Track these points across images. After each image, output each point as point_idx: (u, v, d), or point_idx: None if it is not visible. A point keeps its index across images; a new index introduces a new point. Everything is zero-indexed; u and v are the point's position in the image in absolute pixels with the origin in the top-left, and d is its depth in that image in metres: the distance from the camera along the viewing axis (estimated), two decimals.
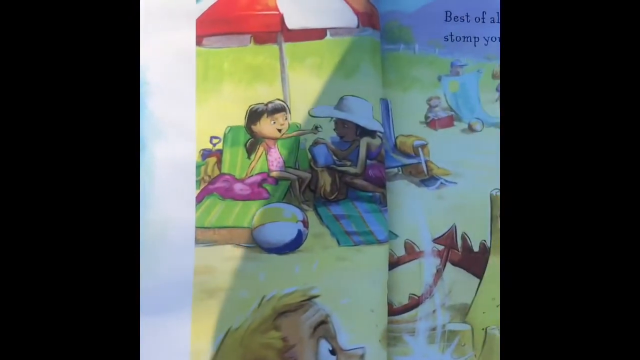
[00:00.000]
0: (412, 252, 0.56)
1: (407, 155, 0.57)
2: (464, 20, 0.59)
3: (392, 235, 0.56)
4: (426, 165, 0.57)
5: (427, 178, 0.57)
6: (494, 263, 0.56)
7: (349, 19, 0.55)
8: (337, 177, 0.54)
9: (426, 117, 0.58)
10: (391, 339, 0.54)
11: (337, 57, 0.54)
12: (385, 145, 0.57)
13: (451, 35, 0.59)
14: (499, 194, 0.56)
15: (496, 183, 0.57)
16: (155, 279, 0.52)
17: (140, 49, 0.53)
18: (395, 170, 0.57)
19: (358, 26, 0.55)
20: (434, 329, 0.55)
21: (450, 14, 0.59)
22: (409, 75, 0.58)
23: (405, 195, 0.57)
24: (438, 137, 0.58)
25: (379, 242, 0.54)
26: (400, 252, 0.56)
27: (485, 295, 0.55)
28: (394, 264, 0.55)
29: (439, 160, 0.57)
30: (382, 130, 0.55)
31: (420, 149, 0.57)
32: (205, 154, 0.54)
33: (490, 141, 0.57)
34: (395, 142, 0.58)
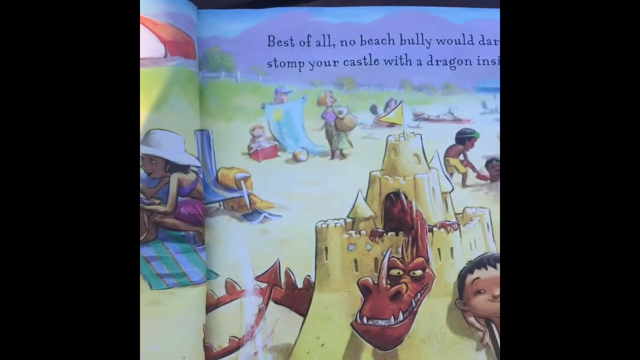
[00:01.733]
0: (233, 292, 0.53)
1: (229, 189, 0.55)
2: (287, 44, 0.57)
3: (213, 274, 0.53)
4: (249, 199, 0.54)
5: (250, 212, 0.54)
6: (319, 299, 0.53)
7: (154, 49, 0.52)
8: (145, 216, 0.51)
9: (249, 148, 0.55)
10: None
11: (141, 90, 0.51)
12: (205, 179, 0.54)
13: (275, 60, 0.56)
14: (324, 225, 0.54)
15: (322, 214, 0.54)
16: None
17: None
18: (217, 205, 0.54)
19: (166, 56, 0.52)
20: None
21: (274, 38, 0.57)
22: (232, 104, 0.56)
23: (227, 232, 0.54)
24: (261, 168, 0.55)
25: (194, 284, 0.51)
26: (221, 292, 0.53)
27: (309, 334, 0.53)
28: (214, 305, 0.53)
29: (263, 192, 0.55)
30: (196, 164, 0.53)
31: (242, 182, 0.55)
32: None
33: (315, 171, 0.55)
34: (217, 175, 0.55)
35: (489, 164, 0.56)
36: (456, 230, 0.54)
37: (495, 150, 0.56)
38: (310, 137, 0.56)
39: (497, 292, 0.53)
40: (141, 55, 0.51)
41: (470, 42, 0.57)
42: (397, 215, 0.54)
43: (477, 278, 0.53)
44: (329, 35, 0.57)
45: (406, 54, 0.57)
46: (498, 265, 0.53)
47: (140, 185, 0.51)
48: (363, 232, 0.54)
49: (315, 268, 0.54)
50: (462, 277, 0.53)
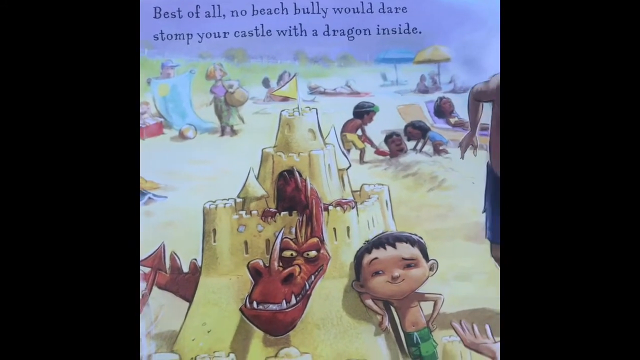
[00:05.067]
0: None
1: None
2: (175, 16, 0.54)
3: None
4: None
5: None
6: (206, 284, 0.50)
7: None
8: None
9: None
10: None
11: None
12: None
13: (161, 33, 0.54)
14: (212, 206, 0.51)
15: (211, 195, 0.51)
16: None
17: None
18: None
19: None
20: None
21: (160, 10, 0.54)
22: None
23: None
24: (146, 146, 0.52)
25: None
26: None
27: (195, 320, 0.50)
28: None
29: (147, 172, 0.52)
30: None
31: None
32: None
33: (204, 149, 0.53)
34: None
35: (388, 139, 0.54)
36: (353, 208, 0.52)
37: (394, 125, 0.54)
38: (199, 112, 0.53)
39: (397, 273, 0.50)
40: None
41: (369, 11, 0.54)
42: (290, 194, 0.52)
43: (375, 258, 0.50)
44: (218, 5, 0.54)
45: (301, 24, 0.54)
46: (397, 244, 0.50)
47: None
48: (254, 212, 0.51)
49: (202, 251, 0.51)
50: (359, 257, 0.51)
